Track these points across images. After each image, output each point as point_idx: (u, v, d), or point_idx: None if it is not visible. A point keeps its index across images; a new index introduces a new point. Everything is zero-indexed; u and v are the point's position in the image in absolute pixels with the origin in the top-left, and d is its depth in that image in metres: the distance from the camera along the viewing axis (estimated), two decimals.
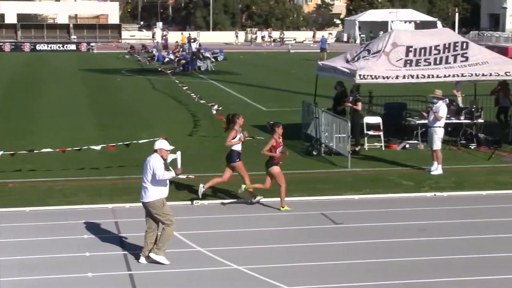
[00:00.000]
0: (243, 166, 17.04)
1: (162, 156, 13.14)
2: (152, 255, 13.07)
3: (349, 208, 16.91)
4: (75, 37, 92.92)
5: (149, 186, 13.03)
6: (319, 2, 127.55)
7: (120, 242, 14.31)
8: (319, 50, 67.29)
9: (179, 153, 13.25)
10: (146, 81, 46.95)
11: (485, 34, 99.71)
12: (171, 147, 13.28)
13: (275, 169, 16.52)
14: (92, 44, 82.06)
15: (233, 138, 16.90)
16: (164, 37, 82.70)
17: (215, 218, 15.97)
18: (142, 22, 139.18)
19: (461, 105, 20.61)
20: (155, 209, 13.07)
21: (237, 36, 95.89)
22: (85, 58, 68.33)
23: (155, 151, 13.21)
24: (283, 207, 16.52)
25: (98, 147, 20.28)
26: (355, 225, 15.54)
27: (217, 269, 12.90)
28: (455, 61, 23.19)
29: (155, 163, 12.99)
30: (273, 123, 16.93)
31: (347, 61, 23.60)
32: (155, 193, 13.05)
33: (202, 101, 31.25)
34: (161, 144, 13.25)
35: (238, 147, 17.05)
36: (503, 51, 55.47)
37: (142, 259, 13.15)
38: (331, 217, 16.02)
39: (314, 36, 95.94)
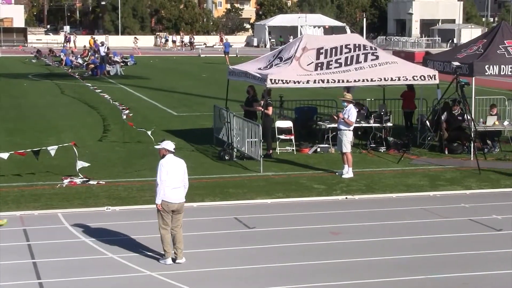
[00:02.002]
0: None
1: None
2: (181, 260, 13.31)
3: (262, 212, 16.90)
4: None
5: (186, 187, 13.49)
6: (229, 7, 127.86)
7: (29, 250, 13.96)
8: (228, 55, 67.67)
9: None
10: (54, 85, 46.14)
11: (392, 39, 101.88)
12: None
13: None
14: None
15: None
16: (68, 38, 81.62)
17: (129, 224, 15.72)
18: (48, 26, 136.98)
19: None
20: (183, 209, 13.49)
21: (136, 40, 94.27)
22: None
23: (173, 151, 13.39)
24: None
25: (5, 155, 19.58)
26: (268, 229, 15.54)
27: (132, 275, 12.70)
28: (365, 59, 23.50)
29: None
30: None
31: (260, 69, 23.68)
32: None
33: (115, 102, 30.92)
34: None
35: None
36: (409, 55, 56.67)
37: (169, 260, 13.25)
38: (244, 221, 15.99)
39: (221, 41, 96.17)
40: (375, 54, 23.83)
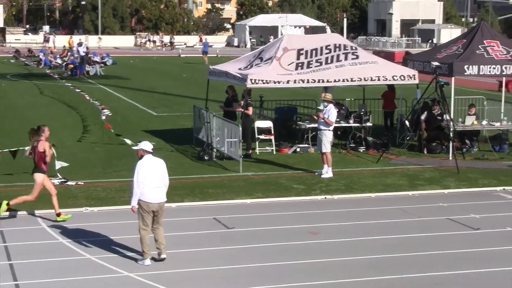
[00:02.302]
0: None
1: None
2: (164, 255, 13.34)
3: (241, 212, 16.88)
4: None
5: (166, 186, 13.47)
6: (210, 7, 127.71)
7: (5, 252, 13.87)
8: (207, 55, 67.72)
9: None
10: (33, 85, 45.89)
11: (373, 39, 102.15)
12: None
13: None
14: None
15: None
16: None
17: (108, 225, 15.65)
18: (28, 26, 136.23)
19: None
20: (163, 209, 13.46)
21: (99, 39, 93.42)
22: None
23: (151, 152, 13.39)
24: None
25: None
26: (247, 229, 15.52)
27: (108, 276, 12.65)
28: (346, 58, 23.58)
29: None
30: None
31: (240, 69, 23.67)
32: None
33: (95, 102, 30.80)
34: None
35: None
36: (389, 55, 56.86)
37: (148, 261, 13.20)
38: (224, 221, 15.97)
39: (200, 41, 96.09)
40: (355, 53, 23.93)
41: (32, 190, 15.91)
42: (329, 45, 23.98)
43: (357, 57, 23.76)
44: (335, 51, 23.81)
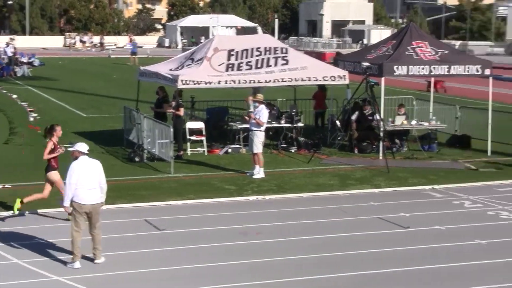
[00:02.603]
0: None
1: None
2: (100, 260, 13.20)
3: (173, 214, 16.76)
4: None
5: (103, 188, 13.36)
6: (140, 7, 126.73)
7: None
8: (136, 55, 67.24)
9: None
10: None
11: (304, 40, 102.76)
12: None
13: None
14: None
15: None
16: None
17: (38, 228, 15.34)
18: None
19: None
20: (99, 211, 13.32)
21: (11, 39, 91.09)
22: None
23: (86, 153, 13.27)
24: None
25: None
26: (179, 230, 15.41)
27: (37, 281, 12.39)
28: (276, 64, 23.63)
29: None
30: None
31: (171, 70, 23.52)
32: None
33: (23, 103, 30.25)
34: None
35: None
36: (320, 56, 57.22)
37: (78, 264, 12.99)
38: (155, 223, 15.82)
39: (130, 41, 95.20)
40: (285, 58, 23.88)
41: (45, 188, 16.20)
42: (259, 48, 23.96)
43: (287, 62, 23.76)
44: (265, 54, 23.83)
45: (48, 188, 16.23)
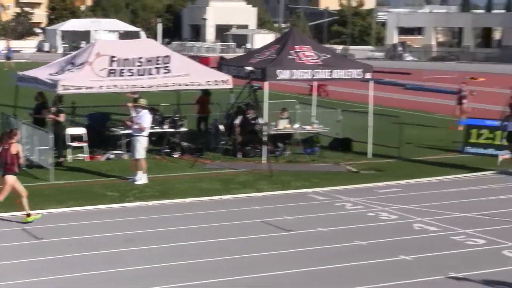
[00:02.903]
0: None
1: None
2: None
3: (52, 222, 16.33)
4: None
5: None
6: (19, 11, 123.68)
7: None
8: (11, 60, 65.85)
9: None
10: None
11: (187, 44, 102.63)
12: None
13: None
14: None
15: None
16: None
17: None
18: None
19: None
20: None
21: None
22: None
23: None
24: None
25: None
26: (59, 239, 15.02)
27: None
28: (158, 73, 23.47)
29: None
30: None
31: (51, 75, 23.00)
32: None
33: None
34: None
35: None
36: (204, 60, 57.17)
37: None
38: (33, 232, 15.38)
39: (7, 46, 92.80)
40: (167, 68, 23.73)
41: (1, 191, 16.06)
42: (141, 58, 23.70)
43: (169, 71, 23.61)
44: (146, 65, 23.62)
45: None
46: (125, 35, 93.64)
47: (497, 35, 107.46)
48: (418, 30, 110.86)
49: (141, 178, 20.22)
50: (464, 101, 31.53)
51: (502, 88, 43.95)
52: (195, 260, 13.70)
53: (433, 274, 13.02)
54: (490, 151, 24.86)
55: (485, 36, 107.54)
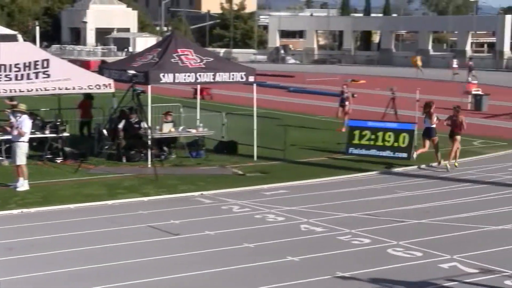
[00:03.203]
0: None
1: None
2: None
3: None
4: None
5: None
6: None
7: None
8: None
9: None
10: None
11: (67, 48, 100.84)
12: None
13: None
14: None
15: None
16: None
17: None
18: None
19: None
20: None
21: None
22: None
23: None
24: None
25: None
26: None
27: None
28: (37, 77, 22.94)
29: None
30: None
31: None
32: None
33: None
34: None
35: None
36: (85, 64, 56.27)
37: None
38: None
39: None
40: (46, 73, 23.22)
41: None
42: (18, 64, 23.10)
43: (49, 75, 23.10)
44: (24, 70, 23.05)
45: None
46: (0, 38, 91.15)
47: (376, 38, 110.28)
48: (299, 33, 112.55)
49: (23, 185, 19.68)
50: (346, 103, 32.10)
51: (382, 90, 45.02)
52: (80, 267, 13.39)
53: (321, 274, 13.15)
54: (373, 151, 25.38)
55: (365, 40, 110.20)
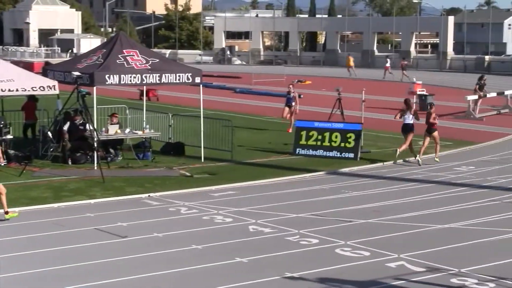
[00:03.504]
0: None
1: None
2: None
3: None
4: None
5: None
6: None
7: None
8: None
9: None
10: None
11: (10, 49, 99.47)
12: None
13: None
14: None
15: None
16: None
17: None
18: None
19: None
20: None
21: None
22: None
23: None
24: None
25: None
26: None
27: None
28: None
29: None
30: None
31: None
32: None
33: None
34: None
35: None
36: (28, 66, 55.56)
37: None
38: None
39: None
40: None
41: None
42: None
43: None
44: None
45: None
46: None
47: (321, 39, 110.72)
48: (245, 34, 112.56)
49: None
50: (293, 103, 32.19)
51: (328, 90, 45.27)
52: (23, 272, 13.20)
53: (269, 275, 13.15)
54: (320, 152, 25.51)
55: (311, 40, 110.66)
